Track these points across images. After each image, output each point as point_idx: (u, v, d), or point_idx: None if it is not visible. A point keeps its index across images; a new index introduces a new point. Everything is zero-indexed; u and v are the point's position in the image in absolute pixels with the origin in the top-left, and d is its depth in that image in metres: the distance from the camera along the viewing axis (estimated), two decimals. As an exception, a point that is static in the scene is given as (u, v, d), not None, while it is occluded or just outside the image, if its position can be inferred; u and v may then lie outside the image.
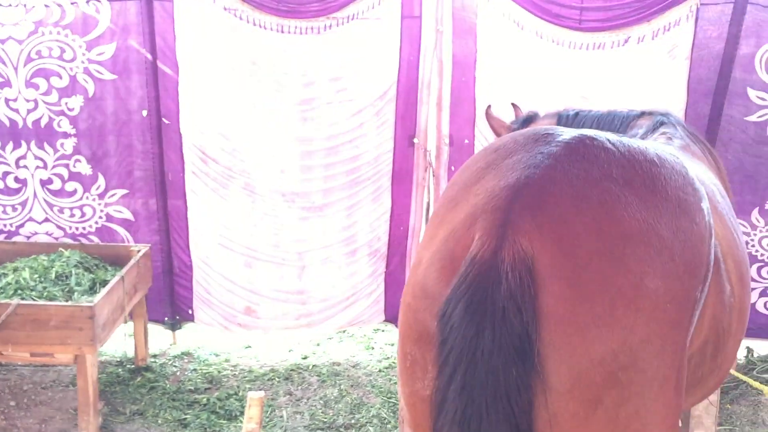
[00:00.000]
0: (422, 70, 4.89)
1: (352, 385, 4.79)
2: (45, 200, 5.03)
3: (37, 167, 4.97)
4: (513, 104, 4.01)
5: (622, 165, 1.60)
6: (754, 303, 5.26)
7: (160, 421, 4.30)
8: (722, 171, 2.62)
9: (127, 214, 5.08)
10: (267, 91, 4.82)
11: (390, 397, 4.61)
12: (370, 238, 5.15)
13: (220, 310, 5.25)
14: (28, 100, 4.84)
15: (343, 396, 4.66)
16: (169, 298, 5.26)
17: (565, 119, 3.17)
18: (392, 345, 5.43)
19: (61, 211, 5.06)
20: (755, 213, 4.99)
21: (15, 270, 4.43)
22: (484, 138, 4.81)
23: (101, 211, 5.06)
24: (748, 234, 5.06)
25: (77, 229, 5.09)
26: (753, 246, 5.10)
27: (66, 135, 4.91)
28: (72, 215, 5.07)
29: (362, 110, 4.90)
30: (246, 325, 5.28)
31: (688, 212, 1.60)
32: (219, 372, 4.92)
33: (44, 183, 5.01)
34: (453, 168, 4.97)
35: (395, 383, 4.77)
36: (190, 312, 5.31)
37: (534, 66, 4.76)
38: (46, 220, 5.07)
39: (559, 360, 1.41)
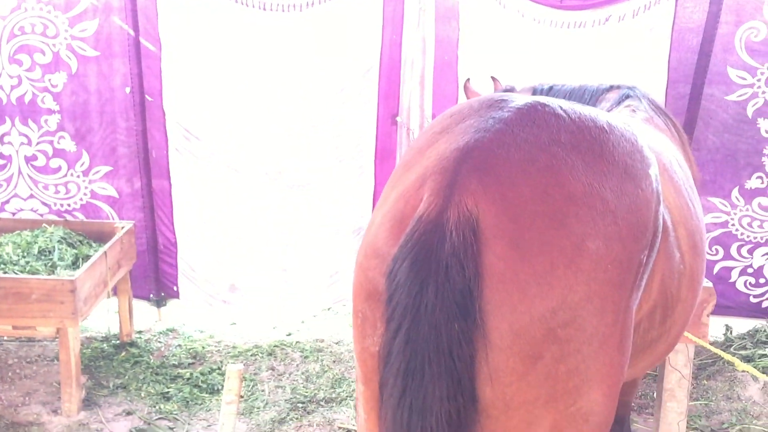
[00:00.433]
0: (405, 48, 4.90)
1: (334, 361, 4.85)
2: (30, 177, 5.05)
3: (22, 143, 4.99)
4: (492, 78, 4.03)
5: (571, 131, 1.64)
6: (734, 282, 5.33)
7: (142, 395, 4.36)
8: (685, 144, 2.65)
9: (112, 191, 5.11)
10: (249, 69, 4.84)
11: (371, 373, 4.66)
12: (353, 216, 5.18)
13: (204, 287, 5.29)
14: (11, 77, 4.85)
15: (325, 371, 4.71)
16: (154, 274, 5.30)
17: (539, 93, 3.21)
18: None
19: (45, 187, 5.08)
20: (735, 192, 5.04)
21: (-1, 245, 4.47)
22: (466, 116, 4.83)
23: (86, 188, 5.09)
24: (728, 213, 5.11)
25: (62, 205, 5.12)
26: (733, 225, 5.15)
27: (50, 111, 4.93)
28: (57, 192, 5.10)
29: (345, 89, 4.92)
30: (230, 302, 5.33)
31: (634, 178, 1.63)
32: (203, 348, 4.97)
33: (29, 159, 5.03)
34: (435, 146, 4.99)
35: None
36: (175, 289, 5.35)
37: (516, 44, 4.78)
38: (31, 196, 5.10)
39: (500, 316, 1.45)
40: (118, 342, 4.95)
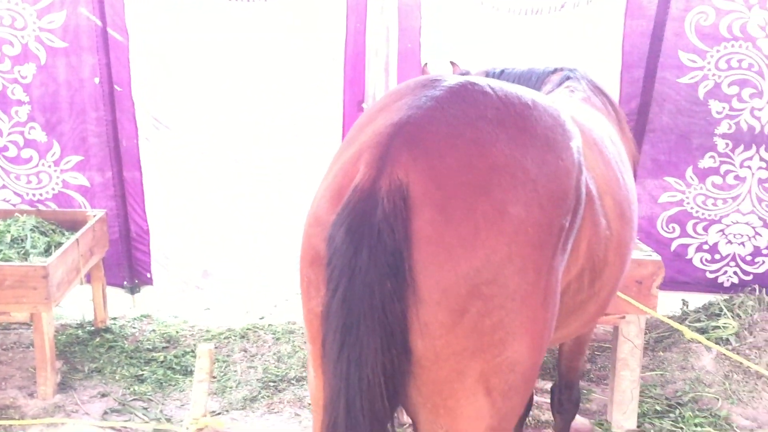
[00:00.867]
0: (369, 37, 5.03)
1: (305, 342, 4.97)
2: (1, 167, 5.13)
3: (-7, 135, 5.07)
4: (452, 62, 4.17)
5: (497, 107, 1.78)
6: (691, 258, 5.54)
7: (117, 377, 4.47)
8: (622, 122, 2.81)
9: (83, 181, 5.20)
10: (217, 58, 4.95)
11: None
12: (323, 201, 5.30)
13: (178, 273, 5.41)
14: (-20, 69, 4.93)
15: (296, 351, 4.85)
16: (128, 262, 5.41)
17: (491, 75, 3.35)
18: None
19: (17, 178, 5.16)
20: (689, 171, 5.23)
21: (-29, 235, 4.55)
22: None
23: (57, 177, 5.17)
24: (683, 192, 5.31)
25: (34, 195, 5.20)
26: (688, 203, 5.35)
27: (20, 102, 5.01)
28: (29, 182, 5.18)
29: (312, 77, 5.04)
30: (204, 288, 5.45)
31: (555, 150, 1.78)
32: (177, 332, 5.09)
33: (0, 150, 5.10)
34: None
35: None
36: (148, 276, 5.46)
37: (477, 31, 4.93)
38: (3, 187, 5.17)
39: (428, 275, 1.59)
40: (92, 329, 5.05)
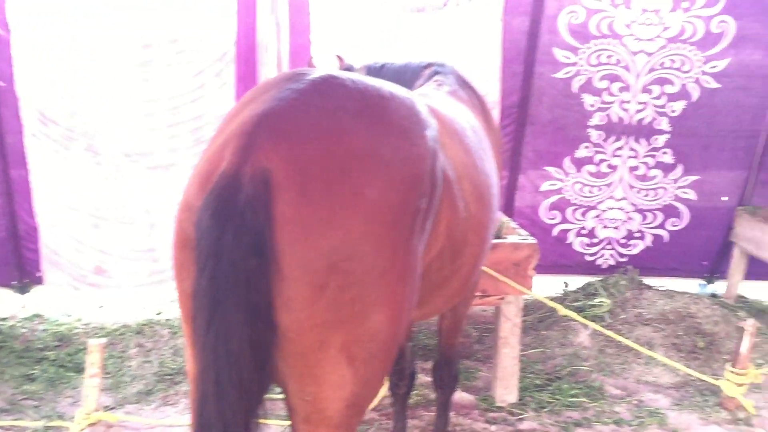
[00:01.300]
0: (260, 32, 5.10)
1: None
2: None
3: None
4: (338, 56, 4.31)
5: (356, 99, 1.93)
6: (571, 243, 5.91)
7: (6, 377, 4.38)
8: (488, 114, 3.02)
9: (-34, 179, 5.05)
10: (105, 52, 4.89)
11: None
12: (217, 196, 5.33)
13: (69, 271, 5.32)
14: None
15: (193, 345, 4.88)
16: (16, 261, 5.28)
17: (373, 70, 3.51)
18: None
19: None
20: (567, 161, 5.59)
21: None
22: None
23: (-63, 176, 5.00)
24: (562, 180, 5.66)
25: None
26: (567, 191, 5.71)
27: None
28: None
29: (202, 71, 5.07)
30: (97, 284, 5.38)
31: (410, 137, 1.95)
32: (70, 330, 5.02)
33: None
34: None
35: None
36: (38, 275, 5.34)
37: (366, 27, 5.09)
38: None
39: (290, 253, 1.73)
40: (-21, 330, 4.92)
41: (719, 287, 6.04)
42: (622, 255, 6.01)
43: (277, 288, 1.74)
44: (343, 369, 1.85)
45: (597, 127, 5.44)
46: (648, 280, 5.84)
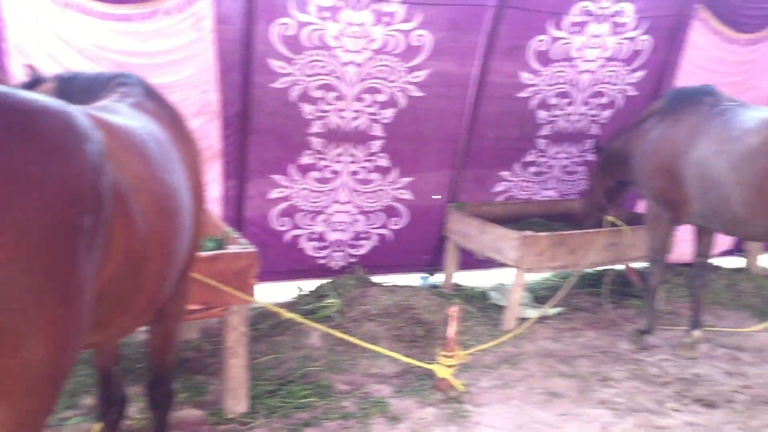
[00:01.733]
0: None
1: None
2: None
3: None
4: (28, 66, 3.98)
5: (1, 113, 1.79)
6: (303, 248, 6.06)
7: None
8: (178, 125, 2.98)
9: None
10: None
11: None
12: None
13: None
14: None
15: None
16: None
17: (64, 81, 3.29)
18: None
19: None
20: (292, 168, 5.72)
21: None
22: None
23: None
24: (289, 187, 5.78)
25: None
26: (295, 198, 5.84)
27: None
28: None
29: None
30: None
31: (63, 153, 1.85)
32: None
33: None
34: None
35: None
36: None
37: (72, 36, 4.74)
38: None
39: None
40: None
41: (440, 278, 6.58)
42: (352, 256, 6.30)
43: None
44: (-3, 405, 1.71)
45: (317, 135, 5.64)
46: (377, 278, 6.20)
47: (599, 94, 6.29)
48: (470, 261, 6.47)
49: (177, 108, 3.07)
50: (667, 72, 6.38)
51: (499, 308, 5.95)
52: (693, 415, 4.38)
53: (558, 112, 6.25)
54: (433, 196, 6.30)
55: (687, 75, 6.37)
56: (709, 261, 5.40)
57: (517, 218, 6.46)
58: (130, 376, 4.37)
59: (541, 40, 5.82)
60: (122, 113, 2.56)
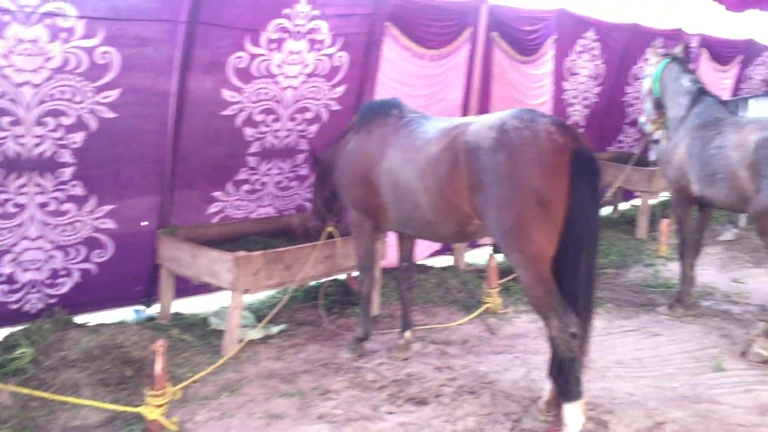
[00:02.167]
0: None
1: None
2: None
3: None
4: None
5: None
6: None
7: None
8: None
9: None
10: None
11: None
12: None
13: None
14: None
15: None
16: None
17: None
18: None
19: None
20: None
21: None
22: None
23: None
24: None
25: None
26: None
27: None
28: None
29: None
30: None
31: None
32: None
33: None
34: None
35: None
36: None
37: None
38: None
39: None
40: None
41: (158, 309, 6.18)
42: (51, 296, 5.66)
43: None
44: None
45: (-1, 166, 4.99)
46: (84, 317, 5.65)
47: (304, 109, 6.37)
48: (190, 287, 6.18)
49: None
50: (366, 86, 6.67)
51: (221, 334, 5.73)
52: (405, 415, 4.55)
53: (265, 129, 6.20)
54: (141, 223, 5.90)
55: (384, 89, 6.72)
56: (414, 263, 5.68)
57: (235, 238, 6.30)
58: None
59: (239, 57, 5.74)
60: None
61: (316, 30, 6.01)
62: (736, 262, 8.49)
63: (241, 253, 5.40)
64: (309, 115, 6.44)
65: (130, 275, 6.03)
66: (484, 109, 7.78)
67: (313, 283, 6.59)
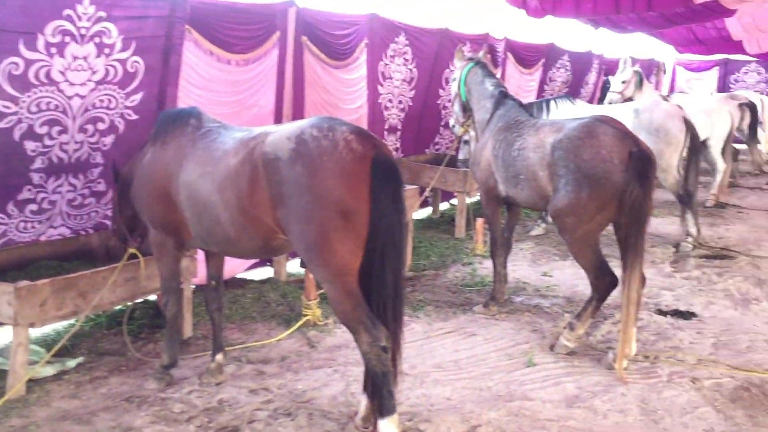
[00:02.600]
0: None
1: None
2: None
3: None
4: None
5: None
6: None
7: None
8: None
9: None
10: None
11: None
12: None
13: None
14: None
15: None
16: None
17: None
18: None
19: None
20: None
21: None
22: None
23: None
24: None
25: None
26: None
27: None
28: None
29: None
30: None
31: None
32: None
33: None
34: None
35: None
36: None
37: None
38: None
39: None
40: None
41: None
42: None
43: None
44: None
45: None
46: None
47: (97, 119, 5.81)
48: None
49: None
50: (167, 94, 6.22)
51: (6, 374, 5.07)
52: (215, 448, 4.24)
53: (50, 142, 5.56)
54: None
55: (187, 96, 6.31)
56: (222, 282, 5.34)
57: (23, 265, 5.62)
58: None
59: (14, 63, 5.10)
60: None
61: (103, 33, 5.50)
62: (545, 256, 8.93)
63: (23, 282, 4.80)
64: (102, 126, 5.88)
65: None
66: (298, 114, 7.58)
67: (118, 307, 6.05)
